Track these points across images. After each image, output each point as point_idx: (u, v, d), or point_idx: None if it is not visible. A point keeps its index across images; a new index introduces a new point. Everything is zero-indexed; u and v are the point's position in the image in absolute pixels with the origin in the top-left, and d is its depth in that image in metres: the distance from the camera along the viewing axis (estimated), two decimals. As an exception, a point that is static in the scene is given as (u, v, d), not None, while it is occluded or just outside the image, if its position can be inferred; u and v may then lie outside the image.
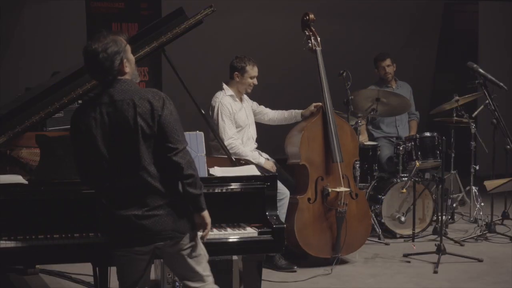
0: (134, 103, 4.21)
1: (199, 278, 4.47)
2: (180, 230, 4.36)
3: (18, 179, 4.82)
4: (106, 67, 4.25)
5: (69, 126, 5.21)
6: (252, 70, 7.28)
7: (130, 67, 4.38)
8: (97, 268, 5.13)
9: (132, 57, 4.43)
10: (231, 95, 7.31)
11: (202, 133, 5.22)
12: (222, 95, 7.30)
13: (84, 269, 6.28)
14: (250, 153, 7.33)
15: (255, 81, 7.32)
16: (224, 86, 7.35)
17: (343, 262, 7.36)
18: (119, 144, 4.22)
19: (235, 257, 6.06)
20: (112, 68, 4.26)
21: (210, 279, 4.51)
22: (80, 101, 6.67)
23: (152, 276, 6.56)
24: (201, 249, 4.48)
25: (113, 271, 5.22)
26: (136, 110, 4.21)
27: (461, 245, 8.10)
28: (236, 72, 7.28)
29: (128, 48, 4.41)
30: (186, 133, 5.14)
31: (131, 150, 4.21)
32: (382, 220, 8.30)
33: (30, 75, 8.84)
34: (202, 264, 4.47)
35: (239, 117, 7.36)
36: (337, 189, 7.13)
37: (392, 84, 9.15)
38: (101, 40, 4.29)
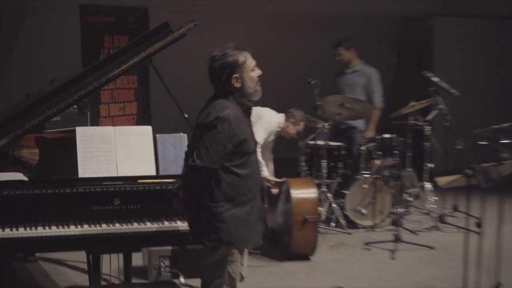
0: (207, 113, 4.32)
1: None
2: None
3: (19, 176, 4.81)
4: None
5: (65, 128, 5.24)
6: None
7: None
8: (90, 256, 5.14)
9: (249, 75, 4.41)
10: None
11: (185, 135, 5.22)
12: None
13: (79, 257, 6.29)
14: (263, 161, 7.40)
15: None
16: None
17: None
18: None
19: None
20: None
21: None
22: (75, 106, 6.70)
23: (140, 262, 6.58)
24: None
25: (105, 258, 5.25)
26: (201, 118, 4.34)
27: (416, 234, 8.14)
28: None
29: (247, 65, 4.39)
30: (171, 135, 5.19)
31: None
32: (346, 212, 8.31)
33: (30, 82, 8.79)
34: None
35: None
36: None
37: (349, 70, 9.12)
38: (227, 47, 4.36)
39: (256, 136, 6.93)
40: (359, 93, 8.79)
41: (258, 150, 7.32)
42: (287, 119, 7.77)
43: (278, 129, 7.74)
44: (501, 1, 12.50)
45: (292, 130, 7.85)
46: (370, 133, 9.02)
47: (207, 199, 4.28)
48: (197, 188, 4.31)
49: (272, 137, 7.74)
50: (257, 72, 4.43)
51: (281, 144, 9.03)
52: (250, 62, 4.39)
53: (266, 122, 7.47)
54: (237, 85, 4.36)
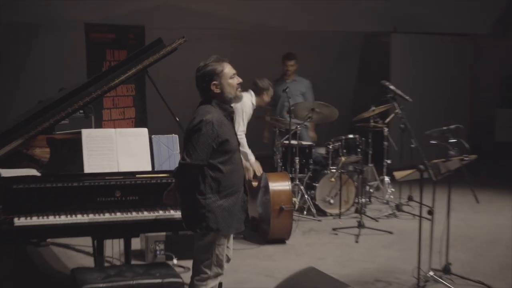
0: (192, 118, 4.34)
1: None
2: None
3: (32, 172, 4.79)
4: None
5: (72, 130, 5.19)
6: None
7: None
8: (95, 241, 5.13)
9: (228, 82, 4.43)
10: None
11: (177, 136, 5.20)
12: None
13: (85, 242, 6.25)
14: (249, 149, 7.41)
15: None
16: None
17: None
18: None
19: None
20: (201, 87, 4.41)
21: None
22: (81, 111, 6.65)
23: (138, 246, 6.55)
24: None
25: (108, 243, 5.22)
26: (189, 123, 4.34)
27: (376, 221, 8.14)
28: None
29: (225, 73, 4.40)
30: (164, 136, 5.17)
31: None
32: (316, 202, 8.30)
33: (42, 90, 8.72)
34: None
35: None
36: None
37: (289, 78, 9.00)
38: (210, 59, 4.41)
39: (239, 128, 6.96)
40: (298, 99, 8.74)
41: (243, 137, 7.34)
42: (258, 93, 7.75)
43: (254, 107, 7.69)
44: (447, 20, 12.61)
45: (266, 98, 7.86)
46: (313, 133, 9.19)
47: (196, 192, 4.30)
48: (187, 183, 4.32)
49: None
50: (237, 79, 4.45)
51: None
52: (228, 70, 4.41)
53: (243, 112, 7.41)
54: (217, 91, 4.39)
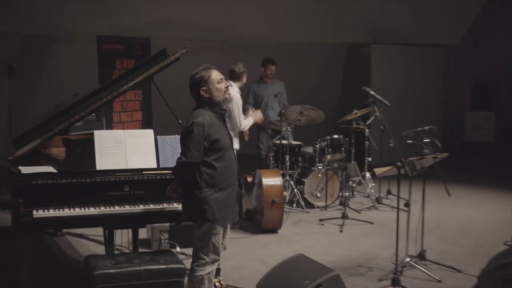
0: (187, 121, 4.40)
1: None
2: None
3: (49, 169, 4.77)
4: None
5: (86, 132, 5.17)
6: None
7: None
8: (106, 231, 5.11)
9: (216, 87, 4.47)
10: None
11: (179, 136, 5.19)
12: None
13: (97, 232, 6.24)
14: (246, 122, 7.40)
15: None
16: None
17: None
18: None
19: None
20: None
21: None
22: (93, 114, 6.63)
23: (145, 236, 6.54)
24: None
25: (117, 232, 5.21)
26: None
27: (359, 212, 8.14)
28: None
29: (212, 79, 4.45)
30: (168, 136, 5.16)
31: None
32: (305, 196, 8.30)
33: (59, 95, 8.73)
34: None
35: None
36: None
37: (268, 81, 8.92)
38: (200, 68, 4.47)
39: (240, 117, 6.92)
40: (275, 98, 8.57)
41: (245, 120, 7.30)
42: (237, 78, 7.61)
43: (240, 93, 7.59)
44: (421, 32, 12.63)
45: (245, 79, 7.67)
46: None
47: (193, 187, 4.34)
48: (185, 179, 4.36)
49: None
50: (224, 84, 4.50)
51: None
52: (215, 76, 4.48)
53: (237, 104, 7.27)
54: (206, 95, 4.45)
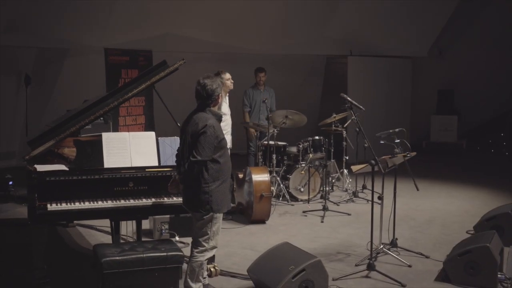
0: (195, 123, 4.38)
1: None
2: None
3: (62, 167, 4.76)
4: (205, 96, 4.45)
5: (94, 134, 5.14)
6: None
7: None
8: (112, 222, 5.09)
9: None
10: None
11: (178, 138, 5.16)
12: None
13: (105, 223, 6.19)
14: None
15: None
16: None
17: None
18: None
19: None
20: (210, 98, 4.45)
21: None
22: (101, 118, 6.59)
23: (147, 226, 6.51)
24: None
25: (123, 224, 5.18)
26: (191, 128, 4.38)
27: (338, 205, 8.13)
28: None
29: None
30: (169, 138, 5.14)
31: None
32: (290, 190, 8.28)
33: (70, 101, 8.68)
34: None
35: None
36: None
37: (261, 88, 8.93)
38: (210, 77, 4.46)
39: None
40: (264, 104, 8.53)
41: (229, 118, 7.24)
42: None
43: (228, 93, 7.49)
44: (392, 45, 12.68)
45: (230, 84, 7.08)
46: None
47: (202, 181, 4.38)
48: (195, 174, 4.37)
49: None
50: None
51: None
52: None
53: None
54: (219, 100, 4.57)
